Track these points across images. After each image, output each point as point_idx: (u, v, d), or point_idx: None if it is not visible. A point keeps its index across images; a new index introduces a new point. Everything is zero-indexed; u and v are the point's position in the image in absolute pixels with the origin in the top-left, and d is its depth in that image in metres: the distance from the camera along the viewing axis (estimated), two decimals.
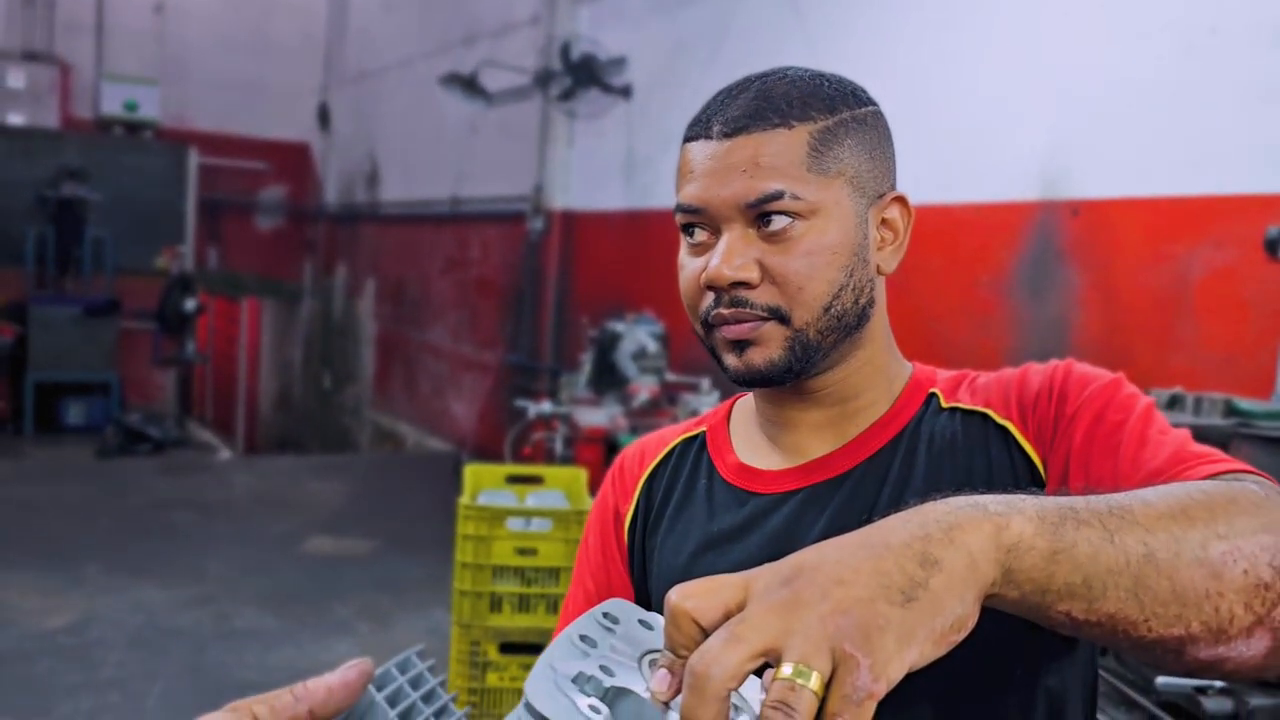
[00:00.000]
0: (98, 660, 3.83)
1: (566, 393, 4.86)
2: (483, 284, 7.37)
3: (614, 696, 0.48)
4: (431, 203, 7.94)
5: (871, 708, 0.44)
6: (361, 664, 0.50)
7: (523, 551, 2.77)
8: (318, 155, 10.51)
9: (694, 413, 3.55)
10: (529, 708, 0.46)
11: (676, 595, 0.48)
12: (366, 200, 9.33)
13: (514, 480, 3.22)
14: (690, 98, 5.53)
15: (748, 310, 0.77)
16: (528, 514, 2.80)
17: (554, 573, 2.79)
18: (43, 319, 7.39)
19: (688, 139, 0.81)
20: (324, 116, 10.25)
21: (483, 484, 3.15)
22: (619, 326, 4.54)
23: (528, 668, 0.53)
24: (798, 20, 4.72)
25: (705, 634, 0.47)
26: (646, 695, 0.48)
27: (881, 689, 0.44)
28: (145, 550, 5.04)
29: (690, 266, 0.80)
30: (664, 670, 0.47)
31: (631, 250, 5.77)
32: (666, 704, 0.47)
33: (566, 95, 6.12)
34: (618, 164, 5.96)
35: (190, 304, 7.42)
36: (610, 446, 3.87)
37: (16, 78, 9.05)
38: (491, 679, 2.77)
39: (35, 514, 5.60)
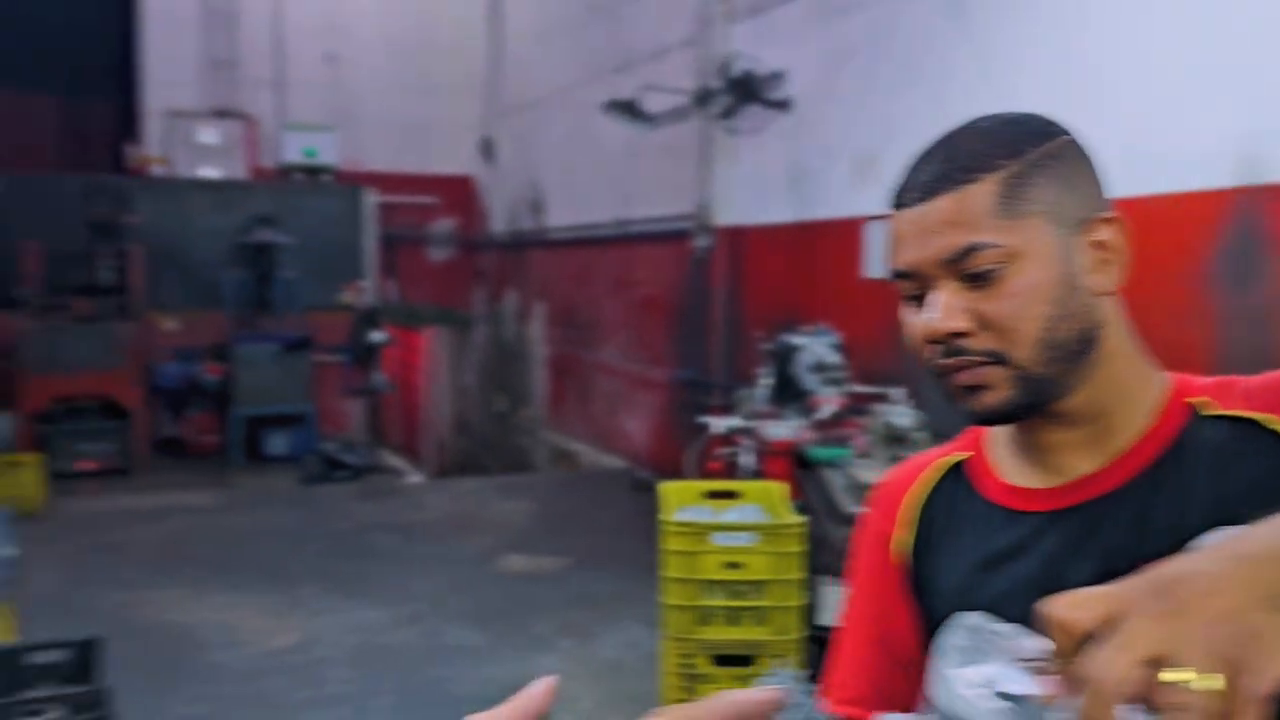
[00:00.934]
0: (323, 677, 4.10)
1: (745, 407, 4.91)
2: (650, 302, 7.51)
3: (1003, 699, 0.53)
4: (596, 226, 8.15)
5: (1265, 709, 0.48)
6: (548, 681, 0.51)
7: (730, 565, 2.83)
8: (483, 187, 10.92)
9: (888, 425, 3.55)
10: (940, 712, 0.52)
11: (1054, 608, 0.53)
12: (532, 227, 9.64)
13: (711, 496, 3.29)
14: (853, 106, 5.54)
15: (967, 358, 0.82)
16: (734, 529, 2.87)
17: (761, 586, 2.84)
18: (245, 357, 7.92)
19: (893, 207, 0.86)
20: (487, 149, 10.64)
21: (680, 500, 3.24)
22: (796, 339, 4.57)
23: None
24: (960, 23, 4.66)
25: (1082, 643, 0.51)
26: (1030, 698, 0.53)
27: (1271, 690, 0.48)
28: (354, 571, 5.34)
29: (911, 323, 0.85)
30: (1051, 676, 0.52)
31: (800, 262, 5.79)
32: (1049, 707, 0.52)
33: (727, 113, 6.20)
34: (781, 177, 5.99)
35: (377, 336, 7.82)
36: (798, 460, 3.90)
37: (209, 134, 9.73)
38: (705, 691, 2.84)
39: (251, 540, 6.01)
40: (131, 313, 7.80)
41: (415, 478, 8.07)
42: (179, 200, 8.82)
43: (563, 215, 9.01)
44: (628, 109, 6.43)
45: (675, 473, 6.08)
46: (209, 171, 9.51)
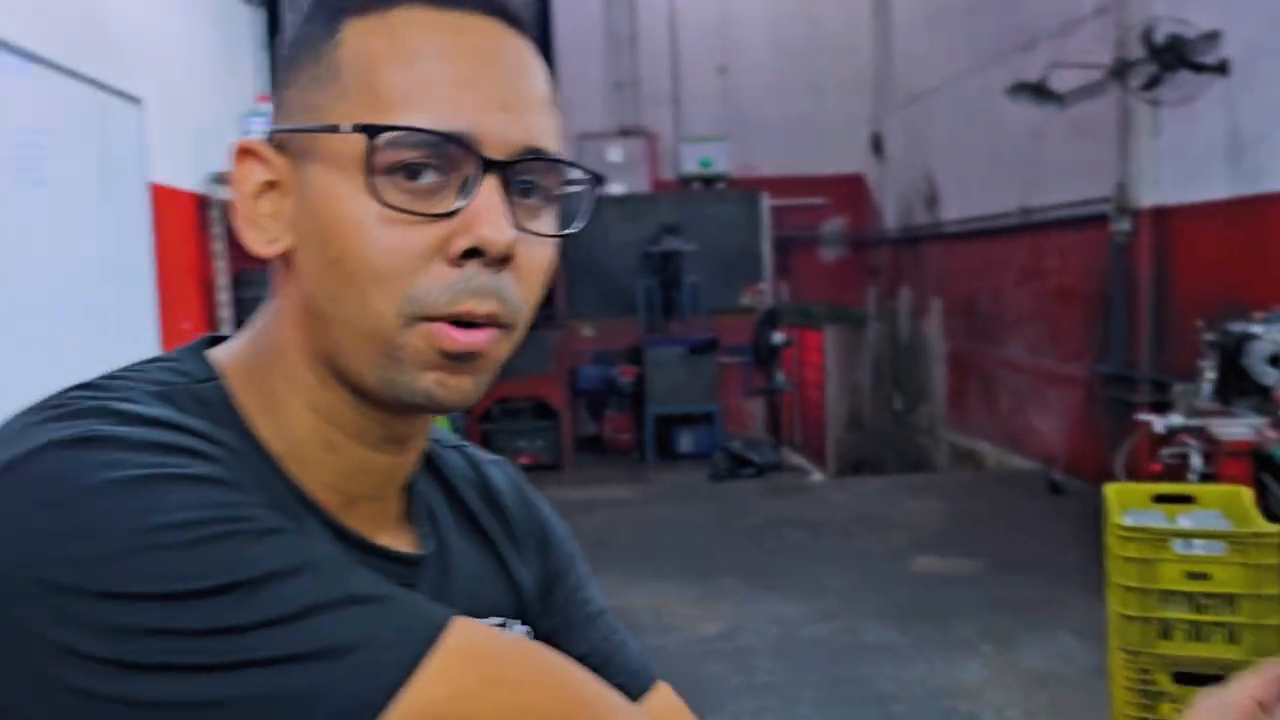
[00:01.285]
0: (750, 666, 4.27)
1: (1184, 403, 4.50)
2: (1062, 293, 7.08)
3: None
4: (997, 216, 7.81)
5: None
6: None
7: (1193, 576, 2.62)
8: (873, 183, 10.83)
9: None
10: None
11: None
12: (927, 221, 9.42)
13: (1161, 500, 3.06)
14: None
15: None
16: (1198, 536, 2.65)
17: (1230, 599, 2.61)
18: (656, 360, 8.42)
19: None
20: (876, 145, 10.55)
21: (1125, 503, 3.03)
22: (1251, 328, 4.12)
23: None
24: None
25: None
26: None
27: None
28: (769, 565, 5.51)
29: None
30: None
31: (1243, 241, 5.21)
32: None
33: (1150, 84, 5.71)
34: (1218, 149, 5.42)
35: (778, 337, 8.01)
36: (1260, 462, 3.52)
37: (615, 153, 10.44)
38: (1166, 710, 2.64)
39: (670, 531, 6.38)
40: (557, 321, 8.56)
41: (817, 476, 8.17)
42: (593, 216, 9.53)
43: (959, 207, 8.73)
44: (1035, 90, 6.11)
45: (1096, 474, 5.70)
46: (616, 188, 10.22)
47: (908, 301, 9.99)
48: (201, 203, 3.46)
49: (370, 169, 0.60)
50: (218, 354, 0.69)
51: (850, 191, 10.93)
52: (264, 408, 0.66)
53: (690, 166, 10.07)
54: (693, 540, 6.13)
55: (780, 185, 10.37)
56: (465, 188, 0.62)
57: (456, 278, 0.61)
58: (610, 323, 9.11)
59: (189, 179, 3.37)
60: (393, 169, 0.60)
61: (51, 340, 2.42)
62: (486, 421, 8.16)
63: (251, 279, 3.57)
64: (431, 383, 0.63)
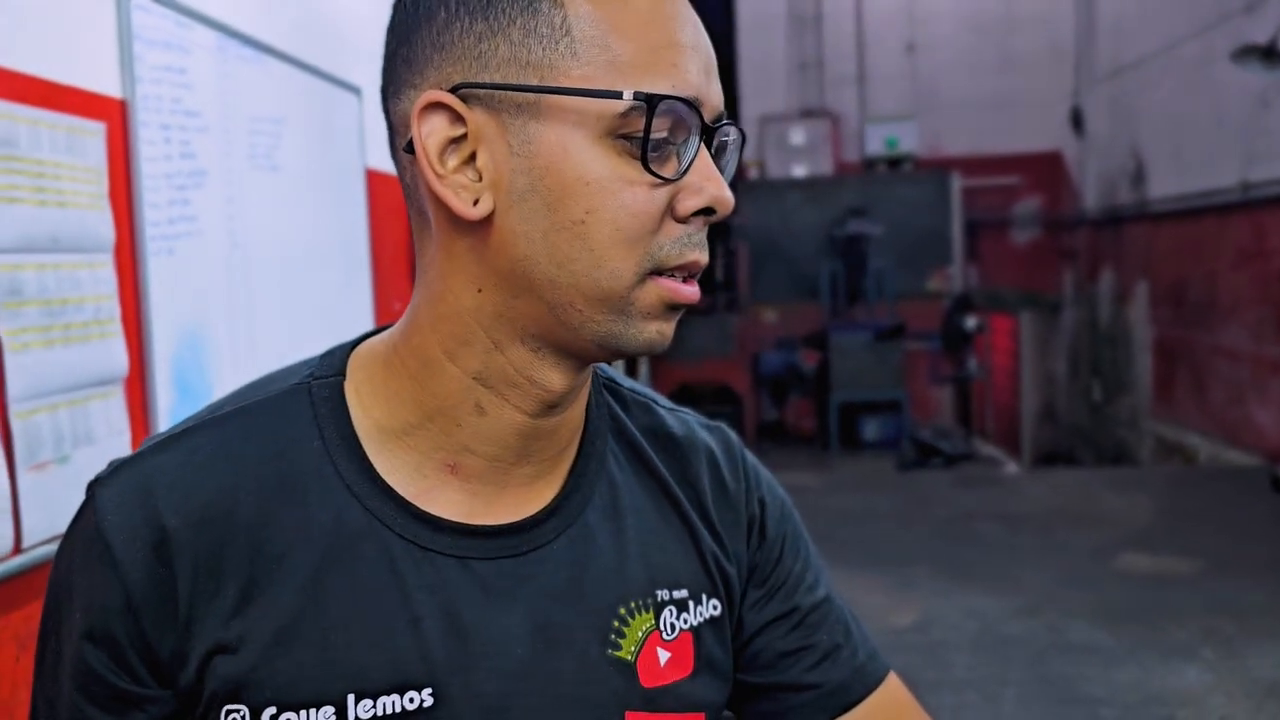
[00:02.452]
0: (946, 661, 4.13)
1: None
2: None
3: None
4: (1214, 192, 7.28)
5: None
6: None
7: None
8: (1071, 161, 10.29)
9: None
10: None
11: None
12: (1132, 200, 8.88)
13: None
14: None
15: None
16: None
17: None
18: (840, 345, 8.26)
19: None
20: (1076, 121, 10.01)
21: None
22: None
23: None
24: None
25: None
26: None
27: None
28: (962, 557, 5.32)
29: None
30: None
31: None
32: None
33: None
34: None
35: (970, 322, 7.73)
36: None
37: (797, 135, 10.29)
38: None
39: (855, 521, 6.25)
40: (739, 305, 8.52)
41: (1011, 467, 7.85)
42: (776, 199, 9.44)
43: (1169, 184, 8.18)
44: (1265, 53, 5.65)
45: None
46: (799, 170, 10.07)
47: (1109, 285, 9.45)
48: None
49: (617, 134, 0.62)
50: (362, 347, 0.74)
51: (1046, 170, 10.42)
52: (386, 394, 0.70)
53: (875, 147, 9.82)
54: (880, 530, 5.99)
55: (970, 165, 9.98)
56: (685, 151, 0.64)
57: (683, 234, 0.65)
58: (793, 307, 8.99)
59: None
60: (632, 134, 0.62)
61: (286, 315, 2.55)
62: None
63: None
64: (654, 332, 0.66)
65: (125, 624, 0.64)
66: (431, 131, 0.64)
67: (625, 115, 0.61)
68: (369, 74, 3.26)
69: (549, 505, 0.73)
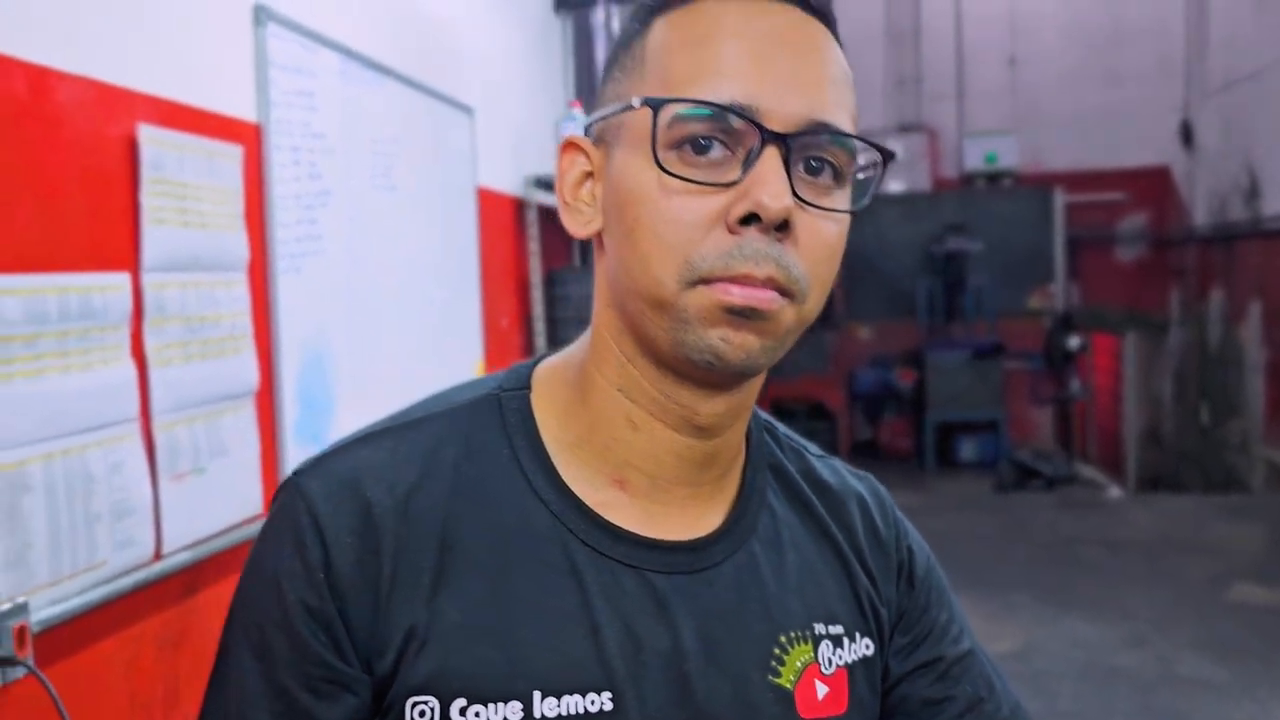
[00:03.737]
0: (1050, 691, 4.02)
1: None
2: None
3: None
4: None
5: None
6: None
7: None
8: (1179, 177, 9.98)
9: None
10: None
11: None
12: (1245, 217, 8.57)
13: None
14: None
15: None
16: None
17: None
18: (937, 364, 8.13)
19: None
20: (1186, 135, 9.71)
21: None
22: None
23: None
24: None
25: None
26: None
27: None
28: (1064, 583, 5.19)
29: None
30: None
31: None
32: None
33: None
34: None
35: (1074, 342, 7.54)
36: None
37: (896, 149, 10.13)
38: None
39: (953, 542, 6.13)
40: (835, 322, 8.44)
41: (1115, 491, 7.62)
42: (872, 215, 9.32)
43: None
44: None
45: None
46: (896, 185, 9.94)
47: (1219, 305, 9.13)
48: (519, 205, 3.64)
49: (656, 142, 0.64)
50: (544, 364, 0.78)
51: (1152, 186, 10.11)
52: (560, 408, 0.74)
53: (974, 162, 9.65)
54: (979, 553, 5.87)
55: (1072, 180, 9.74)
56: (748, 160, 0.64)
57: (732, 243, 0.64)
58: (889, 324, 8.87)
59: (508, 183, 3.56)
60: (680, 143, 0.64)
61: (400, 330, 2.62)
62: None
63: (561, 278, 3.73)
64: (716, 339, 0.65)
65: (338, 604, 0.67)
66: (568, 167, 0.73)
67: (672, 125, 0.64)
68: (482, 94, 3.33)
69: (718, 529, 0.75)
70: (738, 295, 0.64)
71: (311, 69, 2.26)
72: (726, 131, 0.64)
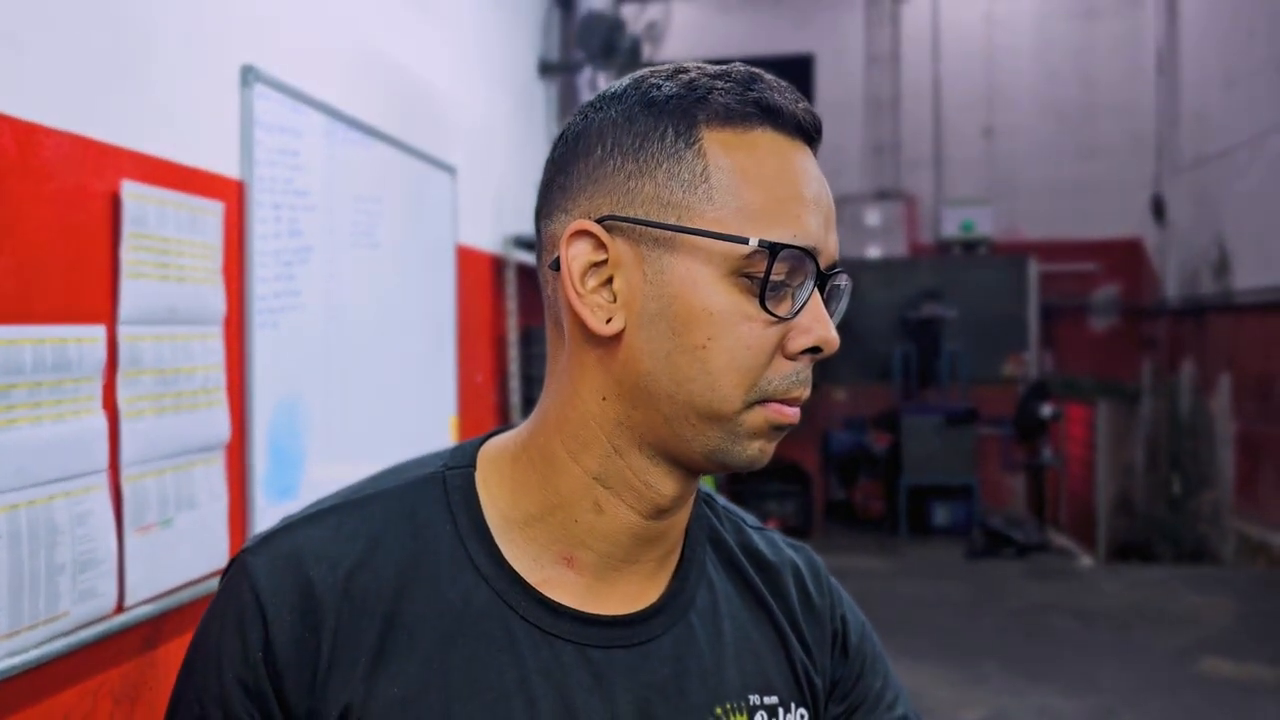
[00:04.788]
0: None
1: None
2: None
3: None
4: None
5: None
6: None
7: None
8: (1151, 249, 10.16)
9: None
10: None
11: None
12: (1215, 290, 8.73)
13: None
14: None
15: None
16: None
17: None
18: (912, 428, 8.18)
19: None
20: (1158, 209, 9.91)
21: None
22: None
23: None
24: None
25: None
26: None
27: None
28: (1033, 653, 5.19)
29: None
30: None
31: None
32: None
33: None
34: None
35: (1046, 410, 7.61)
36: None
37: (872, 216, 10.32)
38: None
39: (924, 609, 6.13)
40: (812, 384, 8.48)
41: (1086, 560, 7.65)
42: (850, 279, 9.43)
43: (1255, 275, 8.03)
44: None
45: None
46: (873, 251, 10.08)
47: (1190, 377, 9.25)
48: (498, 263, 3.68)
49: (766, 285, 0.68)
50: (492, 442, 0.80)
51: (1125, 257, 10.30)
52: (511, 485, 0.76)
53: (951, 230, 9.80)
54: (949, 620, 5.86)
55: (1047, 250, 9.90)
56: (799, 294, 0.69)
57: (792, 370, 0.70)
58: (863, 387, 8.93)
59: (488, 241, 3.60)
60: (753, 275, 0.68)
61: (375, 383, 2.63)
62: (737, 482, 8.17)
63: (538, 336, 3.75)
64: (756, 450, 0.71)
65: (274, 683, 0.69)
66: (577, 255, 0.72)
67: (749, 258, 0.68)
68: (465, 154, 3.38)
69: (657, 602, 0.77)
70: (789, 415, 0.71)
71: (296, 128, 2.30)
72: (794, 269, 0.69)
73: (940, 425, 8.11)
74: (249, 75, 2.10)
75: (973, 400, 8.43)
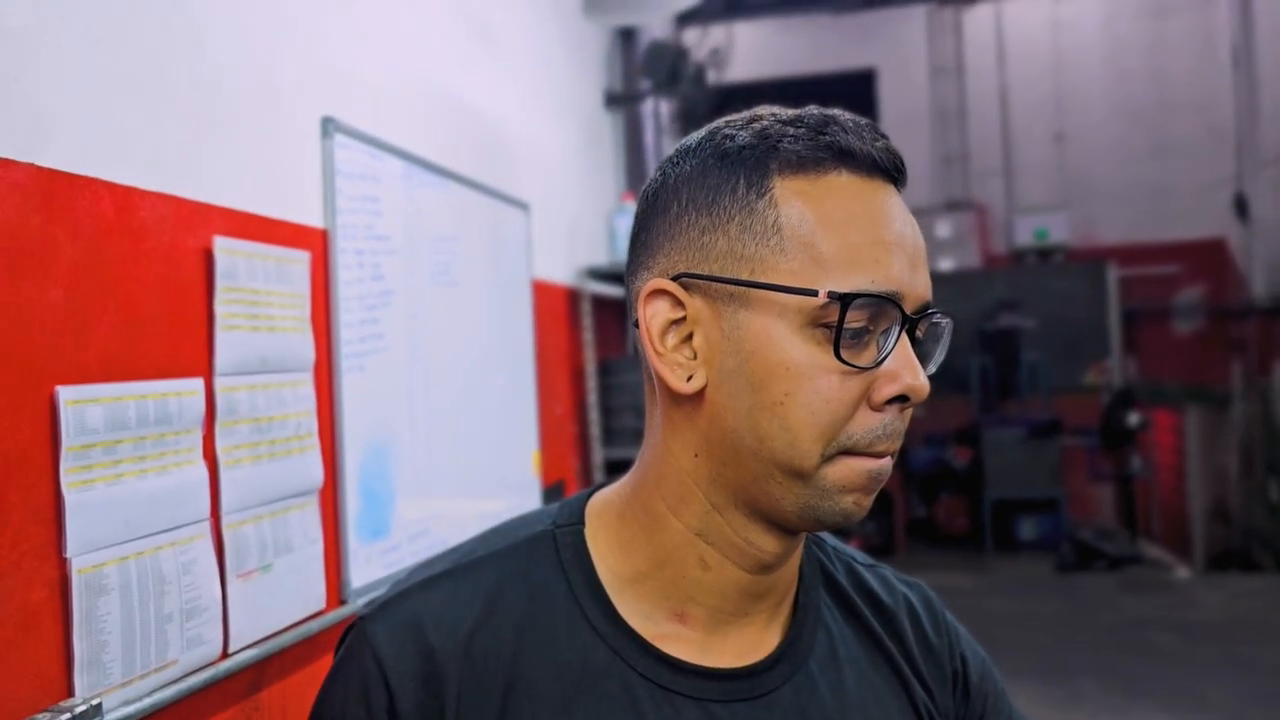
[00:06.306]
0: None
1: None
2: None
3: None
4: None
5: None
6: None
7: None
8: (1236, 248, 9.87)
9: None
10: None
11: None
12: None
13: None
14: None
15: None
16: None
17: None
18: (993, 441, 8.03)
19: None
20: (1240, 206, 9.63)
21: None
22: None
23: None
24: None
25: None
26: None
27: None
28: (1134, 670, 5.04)
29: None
30: None
31: None
32: None
33: None
34: None
35: (1133, 419, 7.42)
36: None
37: (943, 227, 10.19)
38: None
39: (1014, 626, 5.99)
40: None
41: (1182, 571, 7.42)
42: (951, 320, 9.31)
43: None
44: None
45: None
46: (945, 263, 9.94)
47: None
48: (573, 295, 3.71)
49: (840, 336, 0.66)
50: (597, 497, 0.79)
51: (1208, 258, 10.01)
52: (619, 543, 0.75)
53: (1024, 238, 9.64)
54: (1042, 637, 5.73)
55: (1125, 254, 9.68)
56: (885, 341, 0.67)
57: (878, 423, 0.68)
58: (941, 402, 8.80)
59: (562, 274, 3.63)
60: (832, 324, 0.66)
61: (460, 421, 2.66)
62: None
63: (615, 367, 3.77)
64: (850, 504, 0.69)
65: None
66: (655, 314, 0.72)
67: (823, 309, 0.66)
68: (537, 190, 3.42)
69: (775, 652, 0.76)
70: (877, 469, 0.69)
71: (375, 175, 2.35)
72: (874, 316, 0.67)
73: (1022, 438, 7.95)
74: (329, 126, 2.15)
75: (1055, 411, 8.25)
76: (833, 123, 0.70)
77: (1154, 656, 5.27)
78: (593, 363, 3.74)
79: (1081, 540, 7.38)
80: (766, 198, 0.69)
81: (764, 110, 0.73)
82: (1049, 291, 9.13)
